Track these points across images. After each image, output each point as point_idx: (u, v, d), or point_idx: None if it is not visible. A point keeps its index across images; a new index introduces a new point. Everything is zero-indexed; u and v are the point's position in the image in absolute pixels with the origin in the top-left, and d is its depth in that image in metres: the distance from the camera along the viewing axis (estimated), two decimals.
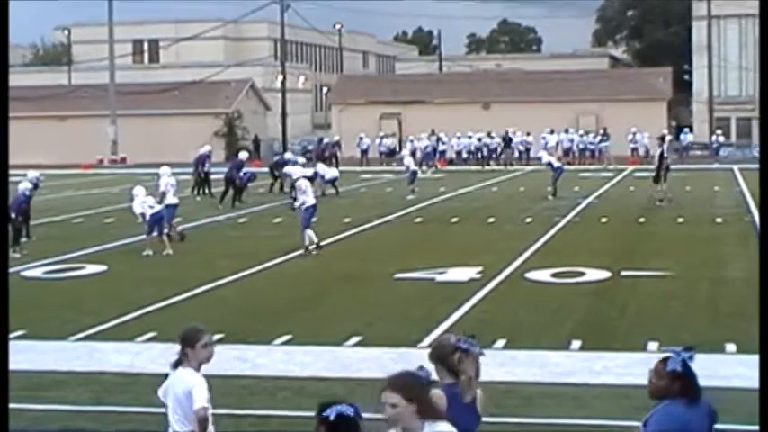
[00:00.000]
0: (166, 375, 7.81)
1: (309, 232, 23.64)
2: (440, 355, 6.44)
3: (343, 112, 73.96)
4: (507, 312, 16.76)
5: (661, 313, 16.31)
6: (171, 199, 25.94)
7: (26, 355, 14.02)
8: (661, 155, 35.07)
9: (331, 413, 5.54)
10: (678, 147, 63.70)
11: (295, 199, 25.55)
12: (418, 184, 39.25)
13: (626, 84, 72.23)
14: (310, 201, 24.02)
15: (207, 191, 39.89)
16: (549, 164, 38.24)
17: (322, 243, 24.33)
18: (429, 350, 6.59)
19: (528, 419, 11.04)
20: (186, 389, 7.46)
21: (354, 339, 14.73)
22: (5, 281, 16.85)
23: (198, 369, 7.55)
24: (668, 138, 59.09)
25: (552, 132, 61.33)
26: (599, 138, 60.52)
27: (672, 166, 55.06)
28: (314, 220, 24.79)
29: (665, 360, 6.20)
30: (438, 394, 6.12)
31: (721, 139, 65.14)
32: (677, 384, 6.14)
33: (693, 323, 15.56)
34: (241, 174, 36.27)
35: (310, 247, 23.55)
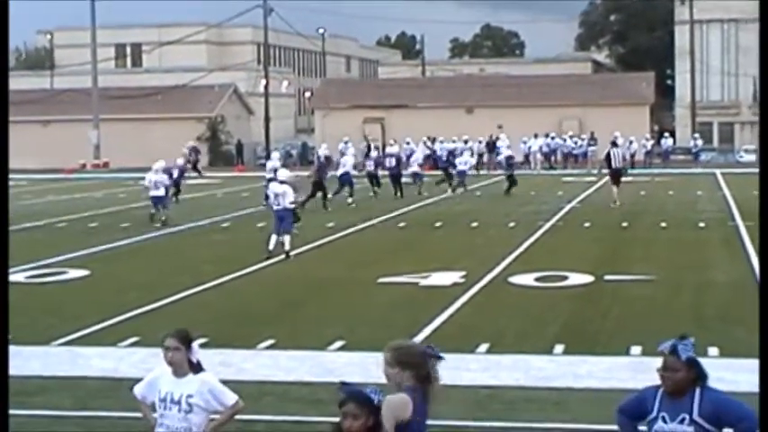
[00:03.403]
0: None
1: (287, 237, 23.63)
2: (410, 360, 6.44)
3: (327, 116, 73.97)
4: (490, 317, 16.78)
5: (644, 317, 16.35)
6: None
7: (10, 361, 13.95)
8: (608, 157, 36.09)
9: (376, 397, 5.58)
10: (660, 151, 63.96)
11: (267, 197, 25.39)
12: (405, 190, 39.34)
13: (609, 88, 72.44)
14: (273, 206, 24.09)
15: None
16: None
17: (305, 248, 24.32)
18: (393, 353, 6.50)
19: (511, 424, 11.06)
20: None
21: (338, 344, 14.73)
22: (5, 284, 16.76)
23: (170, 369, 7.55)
24: (640, 142, 59.55)
25: (536, 137, 61.43)
26: (585, 142, 60.64)
27: (654, 171, 55.44)
28: (296, 225, 24.93)
29: (673, 352, 6.24)
30: (404, 399, 6.22)
31: (699, 142, 65.37)
32: (693, 372, 6.22)
33: (677, 327, 15.54)
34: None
35: (291, 253, 23.56)
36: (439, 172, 46.52)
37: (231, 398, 7.57)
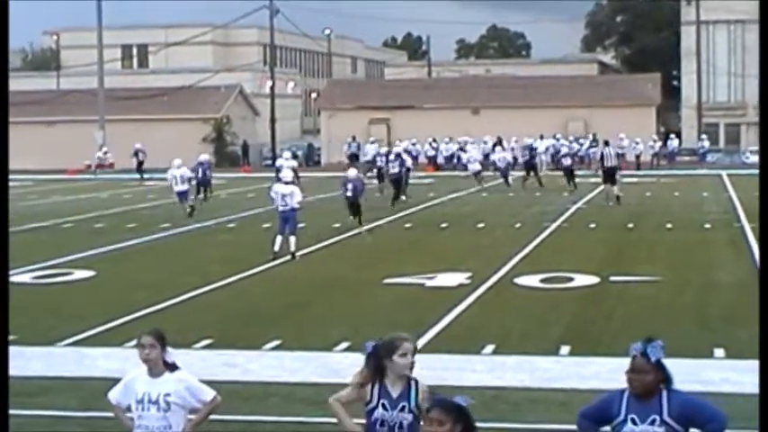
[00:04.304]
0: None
1: (292, 238, 23.61)
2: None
3: (332, 117, 73.91)
4: (496, 318, 16.77)
5: (650, 318, 16.33)
6: None
7: (14, 361, 13.92)
8: (601, 157, 37.62)
9: (463, 402, 5.66)
10: (666, 152, 63.87)
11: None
12: (409, 191, 39.40)
13: (615, 89, 72.34)
14: (278, 207, 24.06)
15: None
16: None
17: (311, 249, 24.32)
18: (413, 344, 7.00)
19: (516, 425, 11.05)
20: None
21: (344, 345, 14.71)
22: (5, 284, 16.76)
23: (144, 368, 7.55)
24: (647, 143, 59.62)
25: (542, 138, 61.35)
26: (587, 143, 60.57)
27: (660, 172, 55.36)
28: (301, 225, 24.93)
29: (643, 354, 6.28)
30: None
31: (706, 144, 65.27)
32: (660, 374, 6.25)
33: (682, 328, 15.58)
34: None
35: (297, 254, 23.54)
36: (439, 173, 47.23)
37: (209, 394, 7.54)
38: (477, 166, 46.67)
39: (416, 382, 7.01)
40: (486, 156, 61.08)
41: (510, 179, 45.57)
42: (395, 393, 6.95)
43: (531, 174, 45.63)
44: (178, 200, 33.78)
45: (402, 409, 6.93)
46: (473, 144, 56.73)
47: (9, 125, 24.05)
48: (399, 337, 7.09)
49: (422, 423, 5.87)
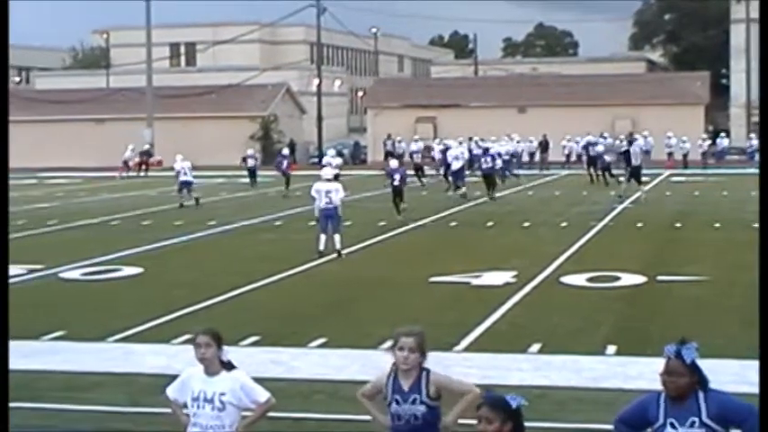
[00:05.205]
0: None
1: (337, 236, 23.64)
2: (425, 345, 7.27)
3: (379, 115, 74.01)
4: (542, 317, 16.73)
5: (696, 318, 16.23)
6: None
7: (64, 356, 14.15)
8: (626, 154, 38.03)
9: (513, 402, 5.77)
10: (715, 151, 63.35)
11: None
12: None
13: (663, 88, 71.85)
14: (321, 205, 23.95)
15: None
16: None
17: (356, 247, 24.37)
18: (416, 339, 7.21)
19: (561, 424, 11.03)
20: None
21: (389, 343, 14.68)
22: (5, 284, 16.87)
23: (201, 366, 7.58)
24: (696, 142, 59.03)
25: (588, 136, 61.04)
26: (625, 142, 60.29)
27: (708, 171, 54.95)
28: (347, 223, 24.93)
29: (677, 356, 6.24)
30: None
31: (755, 143, 64.57)
32: (695, 376, 6.21)
33: (729, 328, 15.48)
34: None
35: (343, 252, 23.57)
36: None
37: (263, 395, 7.57)
38: (499, 163, 46.64)
39: (428, 372, 7.09)
40: (532, 155, 61.00)
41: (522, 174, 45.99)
42: (406, 387, 7.08)
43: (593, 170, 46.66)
44: (180, 190, 37.75)
45: (414, 402, 7.02)
46: (495, 141, 56.73)
47: (9, 125, 24.23)
48: (401, 331, 7.25)
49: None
